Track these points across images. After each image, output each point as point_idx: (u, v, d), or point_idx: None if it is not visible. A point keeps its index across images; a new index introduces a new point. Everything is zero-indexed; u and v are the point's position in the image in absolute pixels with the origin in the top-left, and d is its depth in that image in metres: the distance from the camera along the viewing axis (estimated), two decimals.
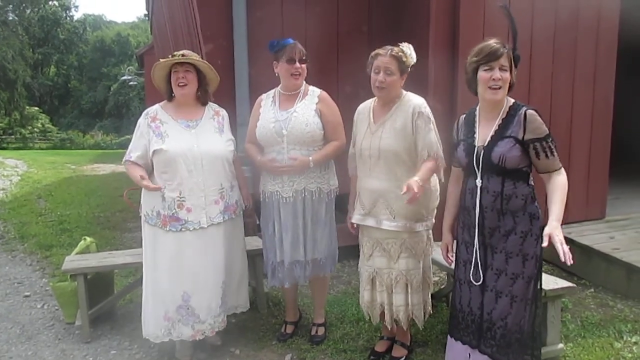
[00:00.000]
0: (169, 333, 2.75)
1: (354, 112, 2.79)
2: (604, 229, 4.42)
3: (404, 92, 2.63)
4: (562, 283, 2.79)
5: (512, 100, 2.27)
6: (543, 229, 2.09)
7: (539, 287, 2.25)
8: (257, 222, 3.44)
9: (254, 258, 3.41)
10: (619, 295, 3.70)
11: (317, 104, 2.85)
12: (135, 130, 2.81)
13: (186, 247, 2.72)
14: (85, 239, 3.67)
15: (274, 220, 2.90)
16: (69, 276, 3.31)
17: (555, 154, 2.18)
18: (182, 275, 2.72)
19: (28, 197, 8.56)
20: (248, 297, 3.13)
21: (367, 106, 2.73)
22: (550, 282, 2.75)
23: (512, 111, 2.22)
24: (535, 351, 2.27)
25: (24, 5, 37.44)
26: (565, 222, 2.19)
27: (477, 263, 2.28)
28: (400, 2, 4.46)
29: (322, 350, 2.98)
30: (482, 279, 2.27)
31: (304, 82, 2.91)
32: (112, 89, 39.38)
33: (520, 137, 2.16)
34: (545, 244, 2.03)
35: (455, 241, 2.49)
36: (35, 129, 33.53)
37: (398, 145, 2.52)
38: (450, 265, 2.55)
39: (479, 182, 2.24)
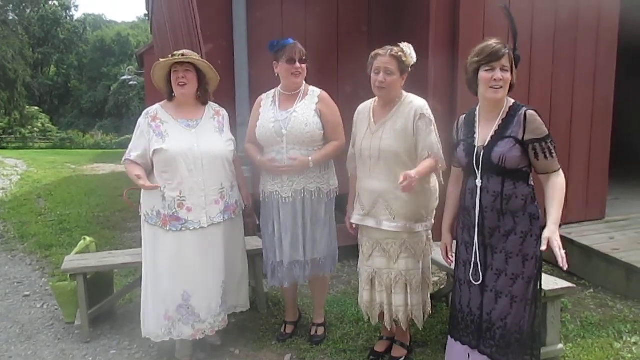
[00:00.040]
0: (170, 332, 2.75)
1: (354, 112, 2.78)
2: (603, 230, 4.42)
3: (405, 93, 2.62)
4: (562, 283, 2.79)
5: (512, 101, 2.27)
6: (543, 230, 2.09)
7: (538, 287, 2.25)
8: (257, 222, 3.44)
9: (254, 258, 3.41)
10: (618, 295, 3.70)
11: (317, 104, 2.85)
12: (135, 130, 2.81)
13: (186, 246, 2.72)
14: (85, 238, 3.67)
15: (273, 220, 2.90)
16: (68, 276, 3.32)
17: (554, 155, 2.17)
18: (182, 275, 2.72)
19: (28, 197, 8.56)
20: (248, 297, 3.13)
21: (367, 106, 2.73)
22: (550, 282, 2.75)
23: (512, 111, 2.22)
24: (534, 351, 2.27)
25: (24, 4, 37.49)
26: (565, 222, 2.20)
27: (477, 263, 2.28)
28: (400, 2, 4.46)
29: (322, 350, 2.98)
30: (481, 279, 2.28)
31: (304, 82, 2.91)
32: (112, 88, 39.36)
33: (520, 137, 2.16)
34: (544, 247, 2.06)
35: (455, 241, 2.49)
36: (35, 129, 33.50)
37: (398, 146, 2.52)
38: (450, 265, 2.55)
39: (478, 182, 2.24)
